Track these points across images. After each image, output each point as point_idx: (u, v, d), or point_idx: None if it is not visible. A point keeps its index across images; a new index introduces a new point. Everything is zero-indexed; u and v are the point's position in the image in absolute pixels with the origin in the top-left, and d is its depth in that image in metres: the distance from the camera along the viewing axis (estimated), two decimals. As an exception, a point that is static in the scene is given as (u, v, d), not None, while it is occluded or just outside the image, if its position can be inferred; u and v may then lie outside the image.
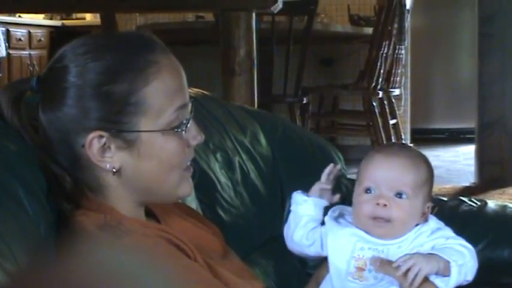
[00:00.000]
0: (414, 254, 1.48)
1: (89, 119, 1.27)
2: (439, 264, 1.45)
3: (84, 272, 1.14)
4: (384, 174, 1.55)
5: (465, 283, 1.51)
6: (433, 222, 1.57)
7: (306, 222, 1.62)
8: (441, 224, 1.58)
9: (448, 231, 1.55)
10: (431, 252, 1.49)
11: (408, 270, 1.44)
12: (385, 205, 1.52)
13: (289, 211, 1.70)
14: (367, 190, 1.55)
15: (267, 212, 2.06)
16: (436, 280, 1.47)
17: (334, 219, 1.59)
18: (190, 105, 1.36)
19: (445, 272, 1.46)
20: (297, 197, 1.67)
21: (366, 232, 1.53)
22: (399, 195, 1.53)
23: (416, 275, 1.44)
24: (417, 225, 1.55)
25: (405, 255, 1.47)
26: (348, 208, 1.62)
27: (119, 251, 1.21)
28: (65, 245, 1.25)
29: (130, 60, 1.29)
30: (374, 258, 1.50)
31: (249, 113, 2.30)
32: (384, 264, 1.49)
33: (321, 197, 1.65)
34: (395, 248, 1.51)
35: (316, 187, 1.66)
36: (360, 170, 1.59)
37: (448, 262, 1.46)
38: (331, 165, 1.68)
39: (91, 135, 1.27)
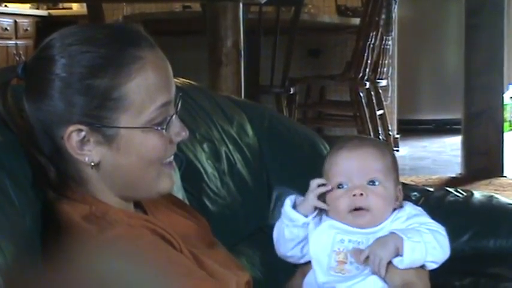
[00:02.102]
0: (371, 243, 1.48)
1: (70, 112, 1.26)
2: (397, 244, 1.45)
3: (70, 269, 1.14)
4: (352, 165, 1.55)
5: (431, 266, 1.49)
6: (410, 208, 1.57)
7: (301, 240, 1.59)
8: (419, 210, 1.58)
9: (424, 218, 1.54)
10: (391, 231, 1.49)
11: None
12: (362, 194, 1.52)
13: (281, 228, 1.60)
14: (340, 185, 1.55)
15: (253, 203, 2.06)
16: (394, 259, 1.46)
17: (318, 218, 1.59)
18: (175, 101, 1.35)
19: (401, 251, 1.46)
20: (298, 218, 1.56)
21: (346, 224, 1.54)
22: (372, 182, 1.53)
23: (379, 265, 1.44)
24: (394, 210, 1.55)
25: (365, 248, 1.47)
26: None
27: (104, 245, 1.21)
28: (50, 239, 1.24)
29: (114, 55, 1.28)
30: (354, 250, 1.50)
31: (236, 103, 2.30)
32: (364, 257, 1.49)
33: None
34: (373, 238, 1.51)
35: (311, 203, 1.55)
36: (325, 169, 1.58)
37: (402, 238, 1.45)
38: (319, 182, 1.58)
39: (70, 128, 1.26)
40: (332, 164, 1.58)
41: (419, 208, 1.59)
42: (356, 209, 1.52)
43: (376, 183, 1.53)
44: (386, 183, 1.54)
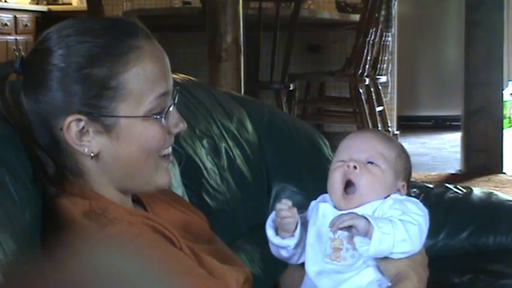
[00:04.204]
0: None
1: (68, 102, 1.27)
2: (368, 228, 1.43)
3: (71, 267, 1.14)
4: (356, 143, 1.58)
5: (398, 256, 1.46)
6: (401, 195, 1.56)
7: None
8: (411, 199, 1.56)
9: (410, 205, 1.52)
10: (364, 215, 1.48)
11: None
12: (355, 167, 1.52)
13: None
14: (340, 161, 1.56)
15: (253, 198, 2.06)
16: (360, 244, 1.45)
17: (316, 204, 1.59)
18: (173, 92, 1.35)
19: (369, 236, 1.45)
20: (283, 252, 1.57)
21: (338, 209, 1.53)
22: (371, 163, 1.54)
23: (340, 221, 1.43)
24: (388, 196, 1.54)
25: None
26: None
27: (104, 243, 1.21)
28: (50, 235, 1.24)
29: (111, 45, 1.28)
30: (349, 235, 1.49)
31: (235, 99, 2.30)
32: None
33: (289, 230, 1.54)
34: None
35: (290, 223, 1.53)
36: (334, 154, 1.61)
37: (372, 227, 1.44)
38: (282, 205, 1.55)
39: (69, 118, 1.27)
40: (340, 145, 1.61)
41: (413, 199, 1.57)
42: (347, 187, 1.52)
43: (375, 164, 1.54)
44: (386, 169, 1.54)
